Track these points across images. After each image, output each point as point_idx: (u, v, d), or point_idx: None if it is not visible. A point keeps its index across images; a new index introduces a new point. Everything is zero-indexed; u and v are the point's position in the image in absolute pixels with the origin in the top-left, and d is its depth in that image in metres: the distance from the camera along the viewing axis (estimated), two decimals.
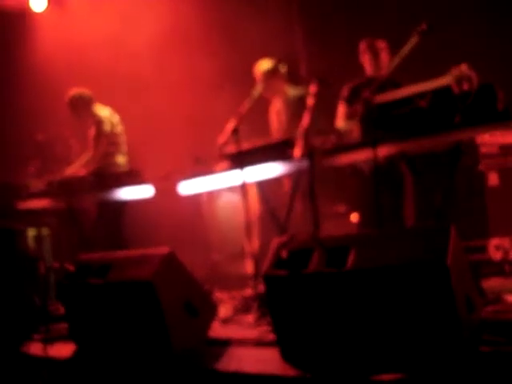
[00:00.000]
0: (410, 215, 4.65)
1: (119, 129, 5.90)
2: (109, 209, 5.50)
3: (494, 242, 5.11)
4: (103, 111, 5.86)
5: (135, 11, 6.96)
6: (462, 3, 5.75)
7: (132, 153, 6.08)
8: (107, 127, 5.75)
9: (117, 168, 5.79)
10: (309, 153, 3.84)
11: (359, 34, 5.05)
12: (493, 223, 5.13)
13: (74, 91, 5.86)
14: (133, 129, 6.14)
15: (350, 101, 4.98)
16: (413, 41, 3.85)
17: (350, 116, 4.92)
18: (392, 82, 4.26)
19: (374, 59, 4.84)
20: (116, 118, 5.90)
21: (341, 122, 4.97)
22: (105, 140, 5.73)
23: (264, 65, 5.35)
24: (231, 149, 4.42)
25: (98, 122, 5.74)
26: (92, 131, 5.80)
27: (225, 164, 4.85)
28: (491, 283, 4.13)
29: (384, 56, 4.84)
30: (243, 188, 4.20)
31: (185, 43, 6.69)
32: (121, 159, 5.88)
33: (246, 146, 4.35)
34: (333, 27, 6.31)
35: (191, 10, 6.78)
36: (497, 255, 5.12)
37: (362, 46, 4.90)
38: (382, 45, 4.83)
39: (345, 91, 5.03)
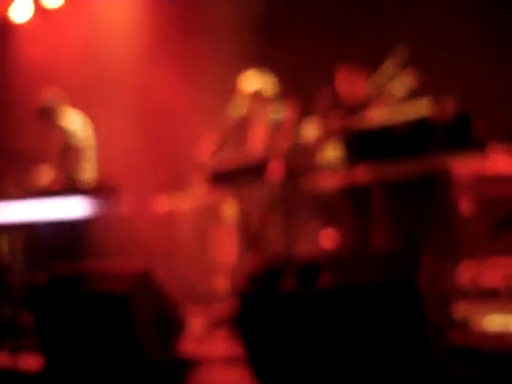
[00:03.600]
0: (379, 239, 4.70)
1: (91, 142, 5.58)
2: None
3: (462, 266, 5.19)
4: (74, 122, 5.55)
5: (118, 22, 6.96)
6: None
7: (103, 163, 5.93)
8: (77, 142, 5.43)
9: (87, 184, 5.48)
10: (287, 175, 3.87)
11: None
12: (464, 250, 5.20)
13: (43, 100, 5.53)
14: (106, 139, 6.00)
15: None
16: (390, 68, 3.93)
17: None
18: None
19: (352, 89, 4.87)
20: (88, 130, 5.57)
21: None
22: (72, 154, 5.42)
23: (251, 85, 5.01)
24: (211, 167, 4.37)
25: (67, 137, 5.42)
26: (59, 144, 5.49)
27: (204, 182, 4.82)
28: (459, 308, 4.17)
29: (360, 84, 4.88)
30: (220, 206, 4.20)
31: (164, 55, 6.66)
32: (91, 174, 5.65)
33: (226, 165, 4.30)
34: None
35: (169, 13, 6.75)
36: (465, 280, 5.20)
37: (341, 75, 4.91)
38: (358, 74, 4.88)
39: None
